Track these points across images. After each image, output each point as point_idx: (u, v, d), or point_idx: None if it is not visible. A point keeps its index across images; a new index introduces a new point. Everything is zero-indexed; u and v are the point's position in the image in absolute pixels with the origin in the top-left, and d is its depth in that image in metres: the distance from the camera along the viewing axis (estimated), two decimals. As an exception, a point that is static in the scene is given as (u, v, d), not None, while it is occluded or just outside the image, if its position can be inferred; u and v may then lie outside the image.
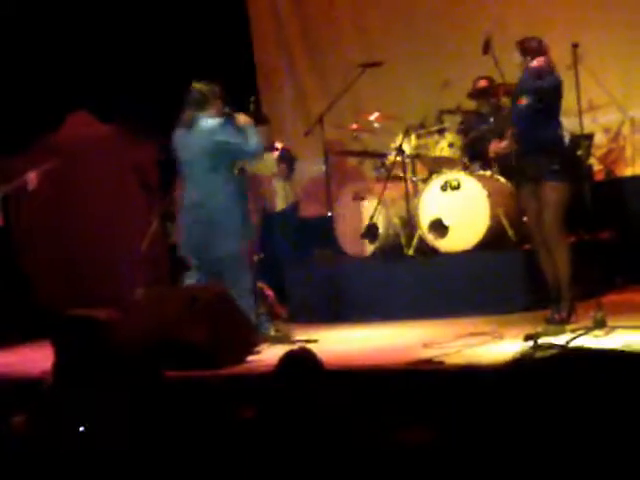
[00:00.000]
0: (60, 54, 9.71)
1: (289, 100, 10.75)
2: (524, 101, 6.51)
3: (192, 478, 3.38)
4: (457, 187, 8.05)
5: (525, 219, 7.01)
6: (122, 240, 9.35)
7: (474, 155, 8.47)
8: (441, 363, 5.76)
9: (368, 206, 8.43)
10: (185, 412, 3.96)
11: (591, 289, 6.72)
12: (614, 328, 6.09)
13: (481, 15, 9.17)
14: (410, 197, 8.39)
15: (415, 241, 8.19)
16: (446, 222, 8.06)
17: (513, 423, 2.24)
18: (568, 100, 6.69)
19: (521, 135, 6.77)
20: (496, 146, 7.90)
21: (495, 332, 6.56)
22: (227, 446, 3.42)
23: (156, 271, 9.31)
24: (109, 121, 9.82)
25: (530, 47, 6.59)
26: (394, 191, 8.49)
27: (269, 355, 6.47)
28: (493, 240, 7.96)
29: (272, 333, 7.24)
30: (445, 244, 8.08)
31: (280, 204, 9.13)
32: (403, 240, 8.35)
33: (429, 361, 5.85)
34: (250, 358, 6.63)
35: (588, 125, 8.04)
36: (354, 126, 9.08)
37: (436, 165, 8.49)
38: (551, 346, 5.66)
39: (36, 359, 6.84)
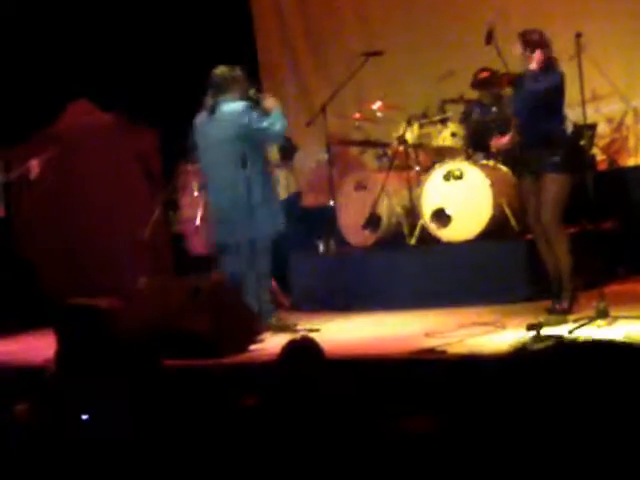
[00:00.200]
0: (60, 43, 9.68)
1: (292, 90, 10.74)
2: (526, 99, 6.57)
3: (195, 466, 3.38)
4: (460, 176, 8.03)
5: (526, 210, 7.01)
6: (124, 229, 9.33)
7: (477, 145, 8.45)
8: (443, 352, 5.76)
9: (370, 196, 8.42)
10: (188, 401, 3.97)
11: (594, 279, 6.71)
12: (616, 318, 6.09)
13: (484, 5, 9.14)
14: (412, 186, 8.38)
15: (418, 231, 8.18)
16: (449, 211, 8.04)
17: (515, 412, 2.24)
18: (571, 90, 6.68)
19: (524, 127, 6.77)
20: (497, 142, 7.87)
21: (497, 322, 6.56)
22: (230, 434, 3.43)
23: (158, 260, 9.30)
24: (110, 110, 9.80)
25: (531, 39, 6.58)
26: (396, 181, 8.48)
27: (272, 344, 6.46)
28: (496, 230, 7.95)
29: (275, 322, 7.24)
30: (448, 234, 8.06)
31: (282, 193, 9.11)
32: (406, 230, 8.34)
33: (431, 350, 5.85)
34: (253, 347, 6.64)
35: (591, 115, 8.02)
36: (357, 115, 9.07)
37: (439, 154, 8.48)
38: (554, 336, 5.66)
39: (39, 347, 6.85)
